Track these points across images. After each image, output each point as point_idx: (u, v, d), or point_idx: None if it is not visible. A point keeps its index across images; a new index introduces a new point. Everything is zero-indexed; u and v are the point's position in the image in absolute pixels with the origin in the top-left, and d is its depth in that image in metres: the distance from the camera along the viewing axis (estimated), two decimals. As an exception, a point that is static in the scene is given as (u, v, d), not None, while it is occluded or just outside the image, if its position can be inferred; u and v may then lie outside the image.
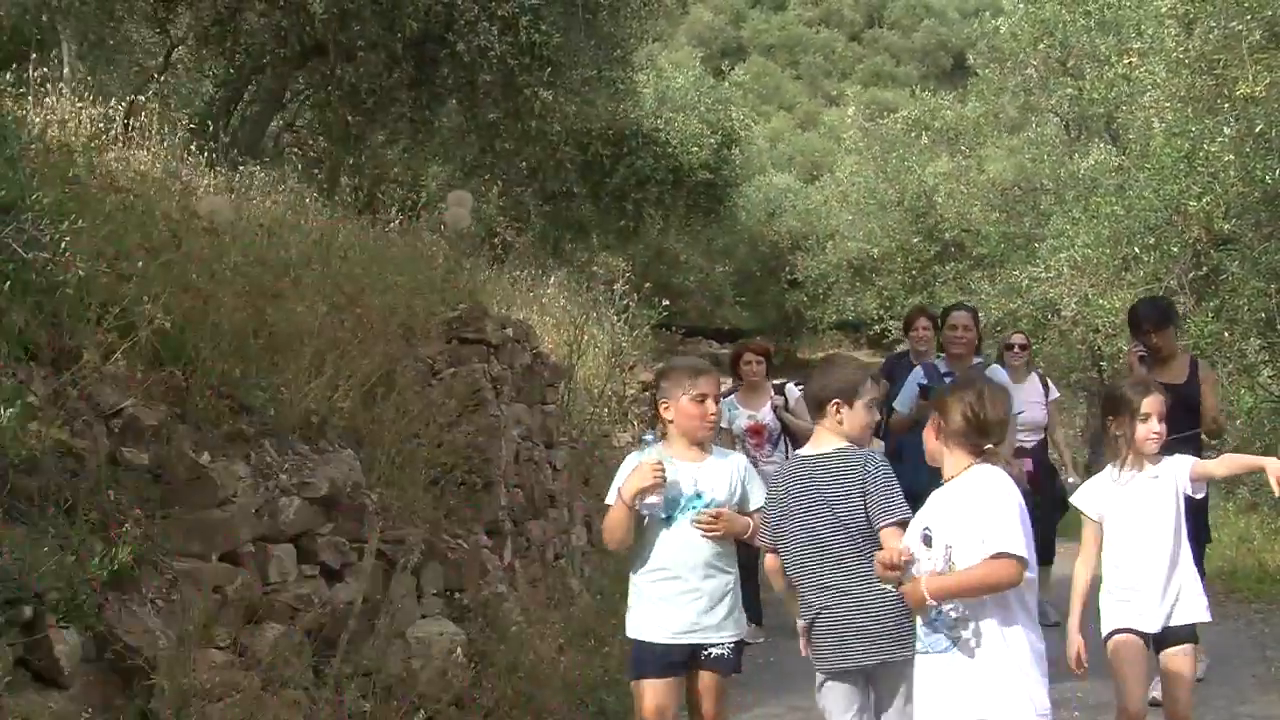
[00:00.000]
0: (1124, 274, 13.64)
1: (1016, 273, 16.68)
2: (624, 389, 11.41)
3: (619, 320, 11.69)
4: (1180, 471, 4.54)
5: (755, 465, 7.18)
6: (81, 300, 4.31)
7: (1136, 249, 13.13)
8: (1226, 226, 12.25)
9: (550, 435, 8.30)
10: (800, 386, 7.70)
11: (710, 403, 4.24)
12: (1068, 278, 14.69)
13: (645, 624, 4.22)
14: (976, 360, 7.06)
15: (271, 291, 5.44)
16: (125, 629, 3.63)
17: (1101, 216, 13.72)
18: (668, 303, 13.14)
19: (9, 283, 3.91)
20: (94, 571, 3.55)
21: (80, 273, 4.21)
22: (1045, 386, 8.35)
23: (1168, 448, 4.59)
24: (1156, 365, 6.32)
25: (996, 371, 6.89)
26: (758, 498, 4.27)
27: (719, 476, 4.25)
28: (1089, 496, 4.67)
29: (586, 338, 10.30)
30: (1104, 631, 4.57)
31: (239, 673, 3.94)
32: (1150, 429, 4.51)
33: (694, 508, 4.17)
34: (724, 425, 7.35)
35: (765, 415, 7.91)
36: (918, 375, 7.00)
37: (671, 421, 4.26)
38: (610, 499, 4.24)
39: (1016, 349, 8.36)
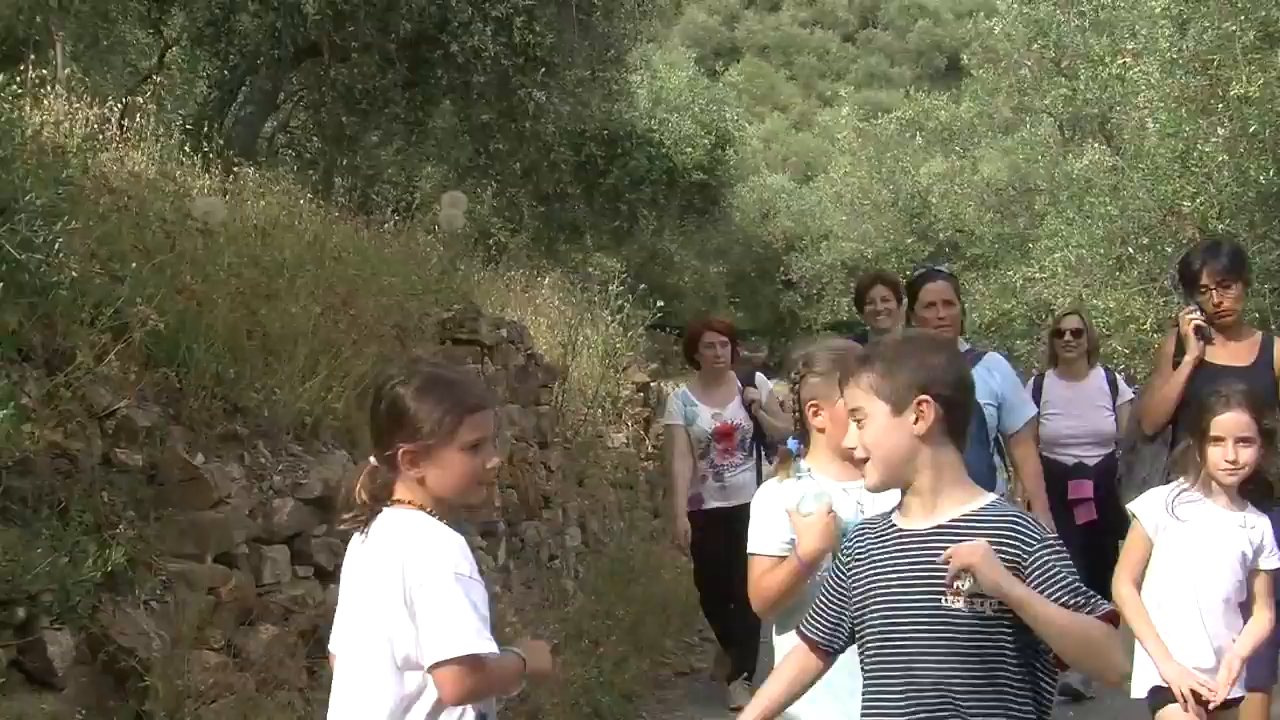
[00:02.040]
0: (1118, 274, 13.69)
1: (1011, 273, 16.73)
2: (618, 390, 11.41)
3: (613, 321, 11.69)
4: (1267, 538, 3.67)
5: (721, 478, 6.33)
6: (75, 301, 4.30)
7: (1131, 249, 13.19)
8: (1220, 227, 12.29)
9: (544, 436, 8.29)
10: (766, 375, 6.79)
11: None
12: (1062, 278, 14.73)
13: (822, 704, 2.85)
14: (965, 347, 5.27)
15: (265, 292, 5.43)
16: (119, 630, 3.62)
17: (1096, 217, 13.77)
18: (662, 303, 13.12)
19: (2, 284, 3.90)
20: (87, 573, 3.54)
21: (74, 274, 4.20)
22: (1113, 386, 6.47)
23: None
24: (1216, 340, 4.68)
25: (996, 360, 5.26)
26: None
27: (885, 500, 2.90)
28: (1150, 506, 3.80)
29: (581, 338, 10.30)
30: (1143, 680, 3.72)
31: (233, 674, 3.94)
32: (1223, 457, 3.62)
33: None
34: (676, 424, 6.31)
35: (735, 413, 6.27)
36: None
37: (822, 430, 3.16)
38: (759, 548, 3.15)
39: (1069, 336, 6.44)
